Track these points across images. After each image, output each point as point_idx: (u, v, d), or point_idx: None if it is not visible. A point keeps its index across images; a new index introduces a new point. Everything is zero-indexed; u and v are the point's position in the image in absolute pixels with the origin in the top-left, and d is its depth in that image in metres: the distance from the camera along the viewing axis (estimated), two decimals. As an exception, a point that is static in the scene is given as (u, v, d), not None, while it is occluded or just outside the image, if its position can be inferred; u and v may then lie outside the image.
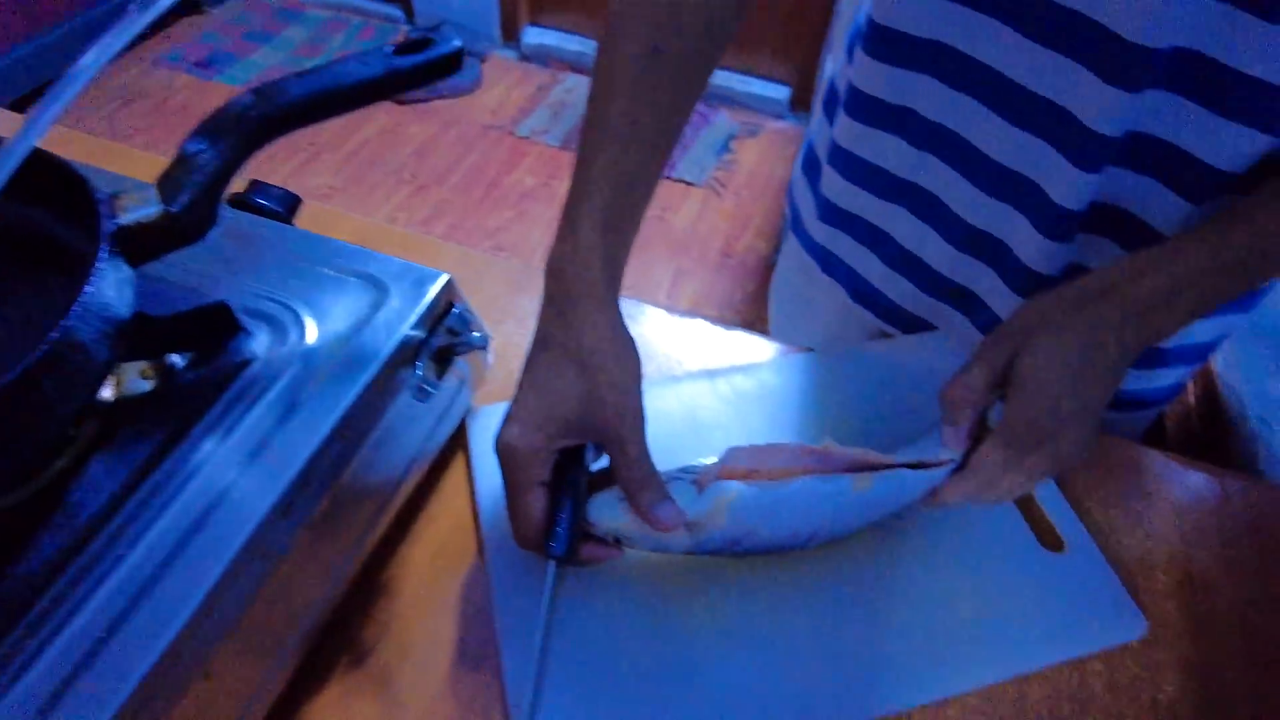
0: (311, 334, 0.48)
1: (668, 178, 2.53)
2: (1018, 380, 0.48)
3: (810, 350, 0.69)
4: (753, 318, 2.15)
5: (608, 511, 0.49)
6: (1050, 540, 0.57)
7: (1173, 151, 0.53)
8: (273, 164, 2.50)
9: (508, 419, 0.47)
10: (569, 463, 0.49)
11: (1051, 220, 0.59)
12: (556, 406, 0.47)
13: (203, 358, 0.45)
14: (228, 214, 0.56)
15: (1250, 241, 0.47)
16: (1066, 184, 0.56)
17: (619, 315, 0.49)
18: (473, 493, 0.58)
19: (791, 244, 0.86)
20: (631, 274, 0.51)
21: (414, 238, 0.77)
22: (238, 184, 0.59)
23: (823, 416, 0.63)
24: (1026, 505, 0.59)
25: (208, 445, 0.43)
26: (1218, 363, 0.86)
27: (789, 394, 0.65)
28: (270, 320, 0.49)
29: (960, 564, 0.55)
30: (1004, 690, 0.51)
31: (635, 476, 0.47)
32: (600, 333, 0.47)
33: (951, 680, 0.51)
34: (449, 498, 0.59)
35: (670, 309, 0.73)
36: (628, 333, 0.49)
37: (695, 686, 0.49)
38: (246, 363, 0.46)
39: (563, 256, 0.48)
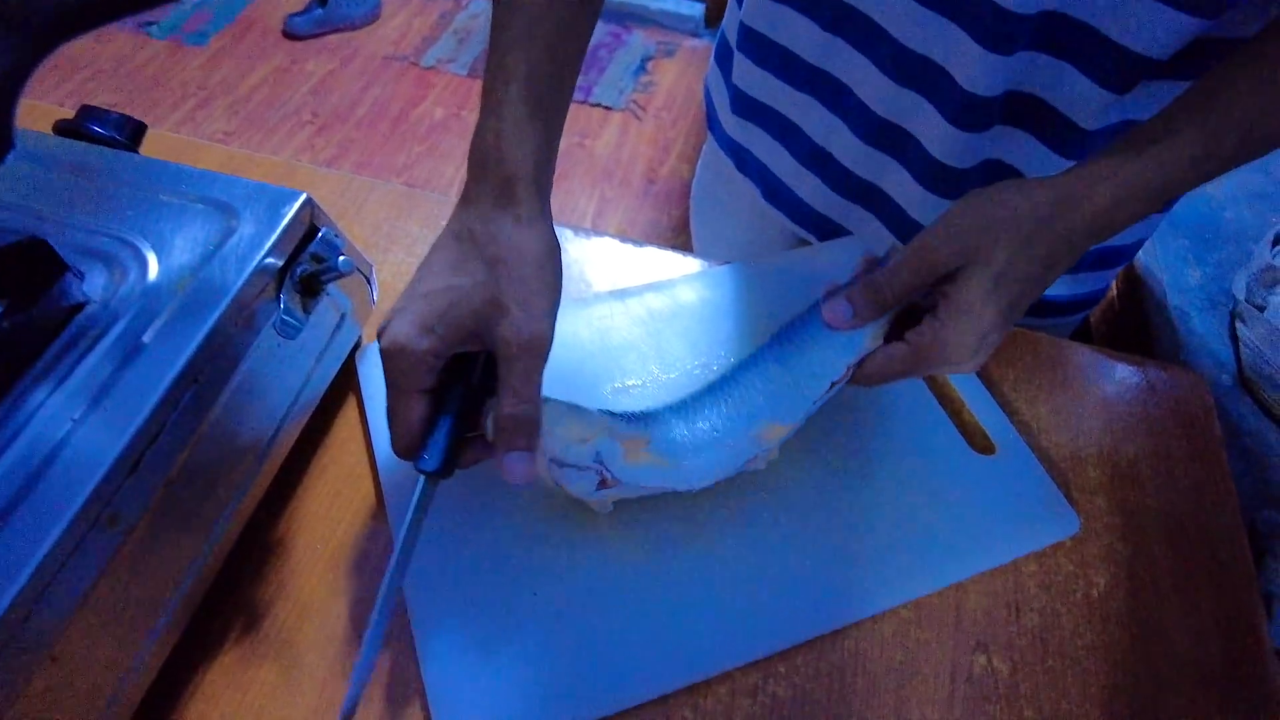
0: (153, 269, 0.42)
1: (584, 103, 2.44)
2: (954, 303, 0.45)
3: (726, 264, 0.66)
4: (680, 244, 2.09)
5: None
6: (980, 443, 0.56)
7: (1088, 32, 0.50)
8: (158, 111, 2.34)
9: (397, 312, 0.41)
10: (459, 368, 0.43)
11: (960, 108, 0.56)
12: (455, 308, 0.41)
13: (21, 303, 0.39)
14: (53, 142, 0.49)
15: (1202, 143, 0.44)
16: (976, 68, 0.53)
17: (548, 218, 0.44)
18: (368, 436, 0.54)
19: (710, 145, 0.83)
20: (553, 204, 0.45)
21: (285, 164, 0.70)
22: (66, 111, 0.52)
23: (739, 331, 0.60)
24: (955, 409, 0.57)
25: (35, 399, 0.37)
26: (1138, 254, 0.86)
27: (704, 310, 0.61)
28: (106, 258, 0.43)
29: (891, 476, 0.53)
30: (940, 599, 0.50)
31: (513, 412, 0.41)
32: (523, 235, 0.42)
33: (886, 594, 0.49)
34: (342, 443, 0.54)
35: (577, 228, 0.68)
36: (556, 241, 0.44)
37: (615, 617, 0.46)
38: (80, 306, 0.41)
39: (486, 135, 0.43)
